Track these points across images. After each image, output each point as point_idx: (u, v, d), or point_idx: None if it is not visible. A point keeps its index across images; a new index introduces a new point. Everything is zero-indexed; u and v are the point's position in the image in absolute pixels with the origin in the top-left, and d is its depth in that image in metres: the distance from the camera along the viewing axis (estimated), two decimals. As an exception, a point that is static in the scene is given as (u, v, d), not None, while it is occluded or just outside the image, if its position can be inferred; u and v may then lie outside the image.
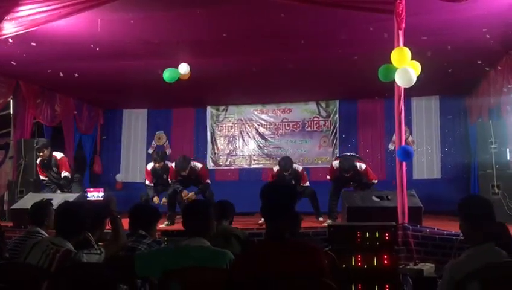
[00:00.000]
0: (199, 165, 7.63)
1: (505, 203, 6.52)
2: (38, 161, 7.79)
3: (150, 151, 10.78)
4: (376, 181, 7.16)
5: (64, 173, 7.75)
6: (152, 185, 7.77)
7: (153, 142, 10.85)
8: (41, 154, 7.66)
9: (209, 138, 10.65)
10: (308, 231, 5.54)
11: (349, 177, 7.05)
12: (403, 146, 5.28)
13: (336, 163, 7.27)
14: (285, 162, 7.37)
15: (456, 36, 6.05)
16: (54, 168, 7.77)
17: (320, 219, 7.18)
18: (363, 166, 7.12)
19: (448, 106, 9.57)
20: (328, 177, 7.38)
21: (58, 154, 7.88)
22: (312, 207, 7.30)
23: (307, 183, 7.50)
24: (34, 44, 6.20)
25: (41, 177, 7.82)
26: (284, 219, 2.43)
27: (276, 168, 7.55)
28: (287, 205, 2.46)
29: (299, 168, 7.58)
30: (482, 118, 8.10)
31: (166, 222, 7.08)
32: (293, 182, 7.29)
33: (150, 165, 7.84)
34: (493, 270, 2.49)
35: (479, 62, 7.00)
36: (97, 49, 6.44)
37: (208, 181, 7.61)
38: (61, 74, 7.66)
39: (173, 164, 7.49)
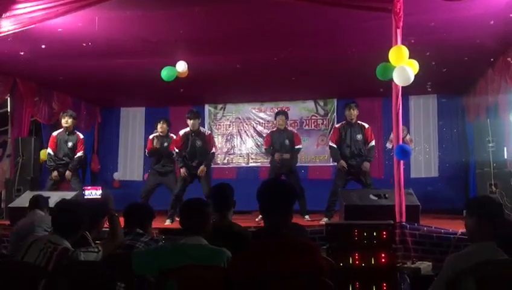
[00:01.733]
0: (207, 131, 7.86)
1: (503, 202, 6.52)
2: (55, 133, 7.72)
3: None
4: (374, 143, 7.15)
5: (79, 153, 7.71)
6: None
7: (151, 140, 10.83)
8: (65, 120, 7.57)
9: (207, 136, 10.63)
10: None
11: (352, 137, 7.06)
12: (400, 145, 5.29)
13: (338, 124, 7.50)
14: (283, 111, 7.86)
15: (453, 35, 6.06)
16: (70, 143, 7.67)
17: (306, 217, 7.16)
18: (367, 125, 7.20)
19: (446, 105, 9.59)
20: (331, 143, 7.31)
21: (80, 134, 7.93)
22: (298, 204, 7.23)
23: (300, 145, 7.65)
24: (32, 42, 6.19)
25: (49, 151, 7.70)
26: (282, 216, 2.43)
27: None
28: (285, 202, 2.46)
29: (294, 130, 7.88)
30: (479, 117, 8.12)
31: (169, 220, 7.07)
32: (287, 142, 7.48)
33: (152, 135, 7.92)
34: (488, 267, 2.51)
35: (477, 61, 7.01)
36: (95, 47, 6.44)
37: (214, 151, 7.66)
38: (61, 77, 7.69)
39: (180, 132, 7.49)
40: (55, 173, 7.55)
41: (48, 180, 7.70)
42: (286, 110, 10.26)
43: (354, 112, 7.07)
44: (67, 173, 7.55)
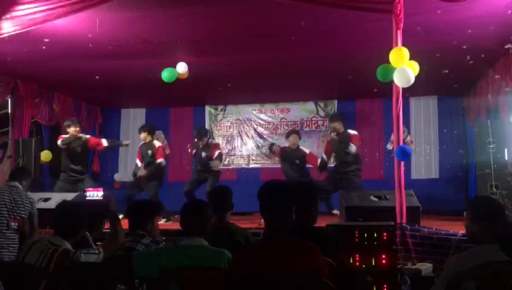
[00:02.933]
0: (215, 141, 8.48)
1: (503, 204, 6.52)
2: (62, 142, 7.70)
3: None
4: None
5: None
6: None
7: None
8: (76, 128, 7.68)
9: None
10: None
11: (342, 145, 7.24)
12: (401, 146, 5.28)
13: (332, 134, 7.63)
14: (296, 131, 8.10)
15: (454, 36, 6.06)
16: (78, 148, 7.73)
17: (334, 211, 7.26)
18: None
19: (447, 106, 9.59)
20: (324, 155, 7.63)
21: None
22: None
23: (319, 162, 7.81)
24: (33, 43, 6.19)
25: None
26: (283, 217, 2.43)
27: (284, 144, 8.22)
28: (285, 203, 2.47)
29: (306, 150, 8.00)
30: (480, 118, 8.11)
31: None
32: (297, 162, 7.72)
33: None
34: (489, 269, 2.50)
35: (477, 62, 7.00)
36: (95, 48, 6.44)
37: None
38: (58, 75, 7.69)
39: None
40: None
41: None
42: (286, 111, 10.36)
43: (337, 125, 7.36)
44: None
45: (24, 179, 5.25)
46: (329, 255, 2.61)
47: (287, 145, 8.07)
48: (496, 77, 7.12)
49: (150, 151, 7.87)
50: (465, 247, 4.28)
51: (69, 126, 7.71)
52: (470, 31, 5.86)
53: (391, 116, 5.49)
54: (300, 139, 8.03)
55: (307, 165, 7.97)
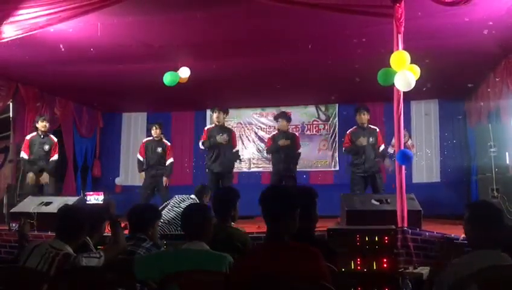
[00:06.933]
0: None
1: (504, 207, 6.50)
2: (28, 137, 7.78)
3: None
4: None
5: (55, 156, 7.90)
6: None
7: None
8: (43, 124, 7.73)
9: (209, 141, 10.63)
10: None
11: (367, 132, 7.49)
12: (402, 150, 5.28)
13: (351, 129, 7.81)
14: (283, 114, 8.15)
15: (455, 40, 6.06)
16: (46, 146, 7.77)
17: None
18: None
19: (448, 110, 9.59)
20: (344, 148, 7.80)
21: (55, 138, 8.06)
22: None
23: (300, 150, 8.18)
24: (34, 47, 6.21)
25: (23, 155, 7.76)
26: (284, 222, 2.43)
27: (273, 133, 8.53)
28: (286, 207, 2.47)
29: (296, 133, 8.56)
30: (481, 122, 8.11)
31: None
32: (289, 142, 7.90)
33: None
34: (492, 273, 2.49)
35: (478, 66, 7.01)
36: (97, 52, 6.45)
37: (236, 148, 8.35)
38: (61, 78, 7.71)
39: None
40: (30, 175, 7.57)
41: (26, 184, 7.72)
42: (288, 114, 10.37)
43: (365, 117, 7.49)
44: (45, 175, 7.59)
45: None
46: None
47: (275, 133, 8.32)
48: (497, 80, 7.12)
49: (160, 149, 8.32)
50: (466, 251, 4.27)
51: (40, 120, 7.76)
52: (471, 34, 5.86)
53: (392, 120, 5.49)
54: (289, 122, 8.24)
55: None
